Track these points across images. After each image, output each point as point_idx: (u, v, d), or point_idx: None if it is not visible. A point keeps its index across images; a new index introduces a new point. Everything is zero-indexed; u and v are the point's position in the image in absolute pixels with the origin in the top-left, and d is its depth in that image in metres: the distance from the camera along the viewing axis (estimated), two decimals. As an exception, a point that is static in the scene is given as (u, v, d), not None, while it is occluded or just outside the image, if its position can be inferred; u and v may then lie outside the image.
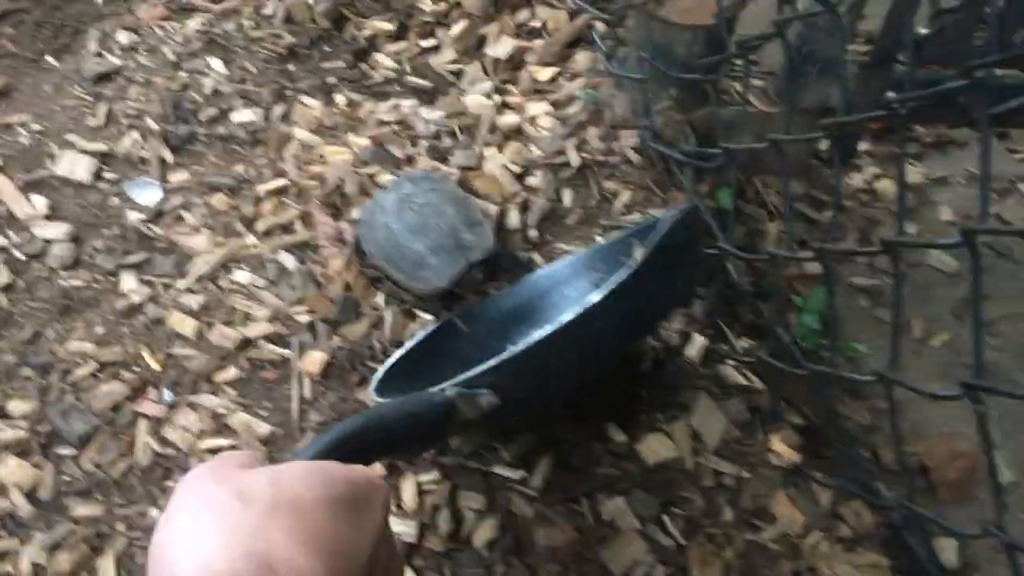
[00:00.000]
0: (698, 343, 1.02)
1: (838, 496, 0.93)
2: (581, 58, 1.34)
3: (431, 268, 1.00)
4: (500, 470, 0.92)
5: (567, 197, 1.14)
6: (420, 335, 0.99)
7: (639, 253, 0.76)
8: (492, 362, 0.72)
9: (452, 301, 1.03)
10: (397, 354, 0.97)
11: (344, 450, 0.59)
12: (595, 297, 0.72)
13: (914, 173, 1.45)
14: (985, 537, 0.65)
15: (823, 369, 0.84)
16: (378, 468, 0.91)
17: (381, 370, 0.94)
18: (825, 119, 0.83)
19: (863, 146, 1.48)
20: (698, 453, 0.95)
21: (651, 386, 1.00)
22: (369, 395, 0.92)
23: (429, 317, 1.01)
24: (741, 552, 0.87)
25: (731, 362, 1.01)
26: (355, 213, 1.11)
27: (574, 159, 1.17)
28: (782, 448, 0.94)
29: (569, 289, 1.05)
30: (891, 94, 0.70)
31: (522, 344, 0.72)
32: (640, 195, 1.18)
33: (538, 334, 0.72)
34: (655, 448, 0.94)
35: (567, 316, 0.72)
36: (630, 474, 0.93)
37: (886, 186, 1.41)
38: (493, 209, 1.10)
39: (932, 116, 1.44)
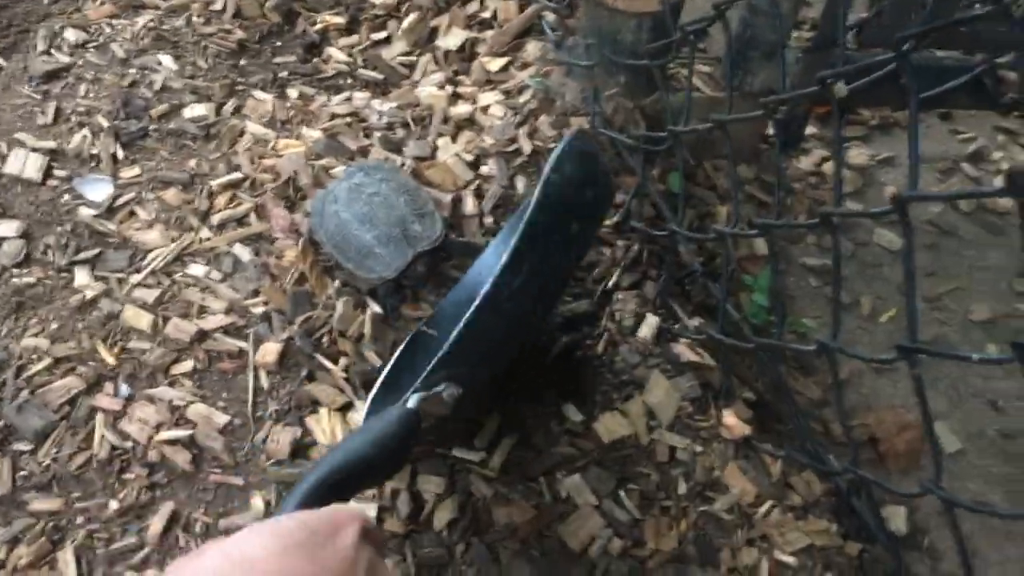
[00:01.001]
0: (651, 323, 1.04)
1: (788, 467, 0.95)
2: (531, 48, 1.36)
3: (378, 258, 1.00)
4: (459, 452, 0.93)
5: (520, 183, 1.15)
6: (395, 354, 1.00)
7: (529, 205, 0.79)
8: (437, 357, 0.75)
9: (399, 291, 1.04)
10: (380, 379, 0.97)
11: (321, 495, 0.62)
12: (501, 262, 0.76)
13: (860, 155, 1.48)
14: (925, 494, 0.67)
15: (769, 342, 0.86)
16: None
17: (369, 398, 0.94)
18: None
19: (810, 130, 1.51)
20: (652, 430, 0.96)
21: (606, 367, 1.02)
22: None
23: (378, 309, 1.02)
24: (695, 523, 0.89)
25: (683, 340, 1.03)
26: (308, 204, 1.12)
27: (526, 146, 1.18)
28: (734, 422, 0.96)
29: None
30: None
31: (455, 331, 0.75)
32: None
33: (465, 317, 0.75)
34: (611, 426, 0.96)
35: (484, 289, 0.75)
36: (587, 452, 0.94)
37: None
38: (447, 199, 1.11)
39: (876, 99, 1.47)
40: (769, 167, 1.41)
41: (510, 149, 1.19)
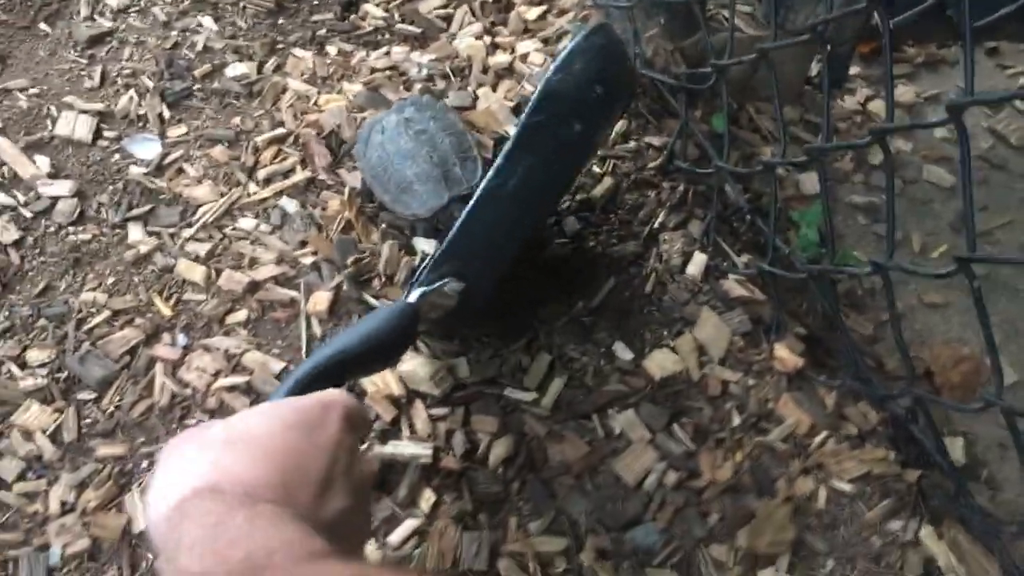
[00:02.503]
0: (699, 261, 1.04)
1: (843, 398, 0.95)
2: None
3: (414, 195, 1.01)
4: (511, 393, 0.94)
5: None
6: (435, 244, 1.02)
7: (533, 97, 0.80)
8: (437, 252, 0.78)
9: (436, 233, 1.05)
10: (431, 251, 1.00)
11: (313, 382, 0.66)
12: (498, 160, 0.79)
13: (906, 92, 1.46)
14: (988, 407, 0.67)
15: (822, 267, 0.85)
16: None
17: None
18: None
19: (855, 69, 1.48)
20: (703, 365, 0.96)
21: (654, 304, 1.02)
22: None
23: (425, 246, 1.03)
24: (750, 453, 0.89)
25: (732, 277, 1.03)
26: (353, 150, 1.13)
27: (568, 91, 1.17)
28: (786, 355, 0.96)
29: None
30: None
31: (454, 227, 0.78)
32: (635, 123, 1.19)
33: (463, 213, 0.78)
34: (661, 363, 0.96)
35: (481, 185, 0.79)
36: (638, 389, 0.95)
37: (879, 107, 1.42)
38: (490, 143, 1.11)
39: (921, 34, 1.44)
40: (813, 108, 1.39)
41: (552, 94, 1.18)
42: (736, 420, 0.92)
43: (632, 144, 1.16)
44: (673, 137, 1.14)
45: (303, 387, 0.65)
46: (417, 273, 0.92)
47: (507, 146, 0.79)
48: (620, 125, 1.17)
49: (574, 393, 0.95)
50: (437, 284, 0.78)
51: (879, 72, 1.49)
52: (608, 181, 1.11)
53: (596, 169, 1.12)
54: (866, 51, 1.50)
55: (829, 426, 0.92)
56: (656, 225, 1.08)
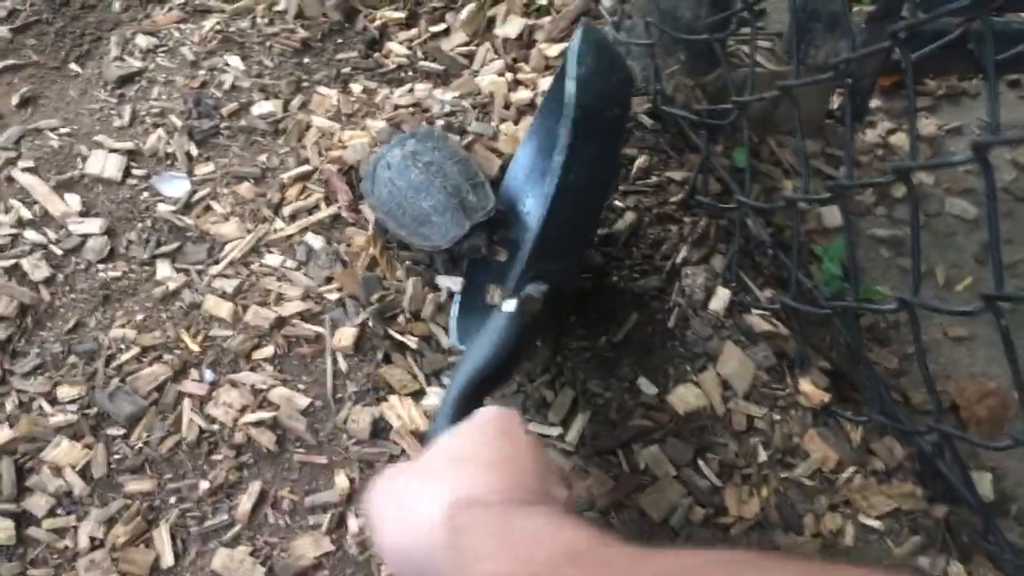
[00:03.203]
0: (722, 296, 1.04)
1: (868, 433, 0.94)
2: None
3: (433, 227, 1.02)
4: (536, 427, 0.94)
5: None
6: (459, 281, 1.05)
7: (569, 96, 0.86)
8: (523, 261, 0.84)
9: (453, 262, 1.07)
10: (454, 308, 1.03)
11: (465, 408, 0.68)
12: (556, 161, 0.84)
13: (928, 125, 1.46)
14: (1016, 446, 0.66)
15: (847, 304, 0.86)
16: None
17: (452, 324, 1.01)
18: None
19: (875, 103, 1.49)
20: (728, 400, 0.96)
21: (678, 339, 1.02)
22: (454, 346, 1.00)
23: (449, 283, 1.04)
24: (777, 489, 0.89)
25: (756, 311, 1.03)
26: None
27: (589, 127, 1.19)
28: (811, 390, 0.96)
29: (534, 159, 1.13)
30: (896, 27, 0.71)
31: (531, 234, 0.84)
32: (656, 158, 1.20)
33: (539, 219, 0.84)
34: (686, 398, 0.96)
35: (549, 191, 0.84)
36: (663, 424, 0.95)
37: (900, 140, 1.43)
38: (495, 168, 1.14)
39: (942, 67, 1.45)
40: (834, 141, 1.40)
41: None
42: (762, 455, 0.92)
43: (654, 179, 1.17)
44: (694, 172, 1.14)
45: (459, 414, 0.66)
46: (509, 283, 0.95)
47: (562, 149, 0.84)
48: (642, 160, 1.18)
49: (598, 428, 0.95)
50: (527, 290, 0.81)
51: (900, 105, 1.50)
52: (630, 216, 1.12)
53: (618, 203, 1.13)
54: (886, 84, 1.50)
55: (856, 461, 0.91)
56: (678, 260, 1.09)
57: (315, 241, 1.11)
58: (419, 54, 1.41)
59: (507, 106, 1.27)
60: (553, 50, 1.36)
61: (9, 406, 0.97)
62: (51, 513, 0.90)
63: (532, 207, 1.08)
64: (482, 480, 0.51)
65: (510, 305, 0.79)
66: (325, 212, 1.14)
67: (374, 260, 1.07)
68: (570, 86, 0.86)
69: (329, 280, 1.07)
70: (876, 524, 0.87)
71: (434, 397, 0.96)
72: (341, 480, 0.92)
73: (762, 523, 0.87)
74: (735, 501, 0.88)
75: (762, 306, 1.03)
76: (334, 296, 1.05)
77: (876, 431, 0.95)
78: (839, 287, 1.06)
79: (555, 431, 0.93)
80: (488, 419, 0.58)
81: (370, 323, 1.02)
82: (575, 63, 0.87)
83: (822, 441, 0.92)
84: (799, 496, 0.89)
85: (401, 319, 1.02)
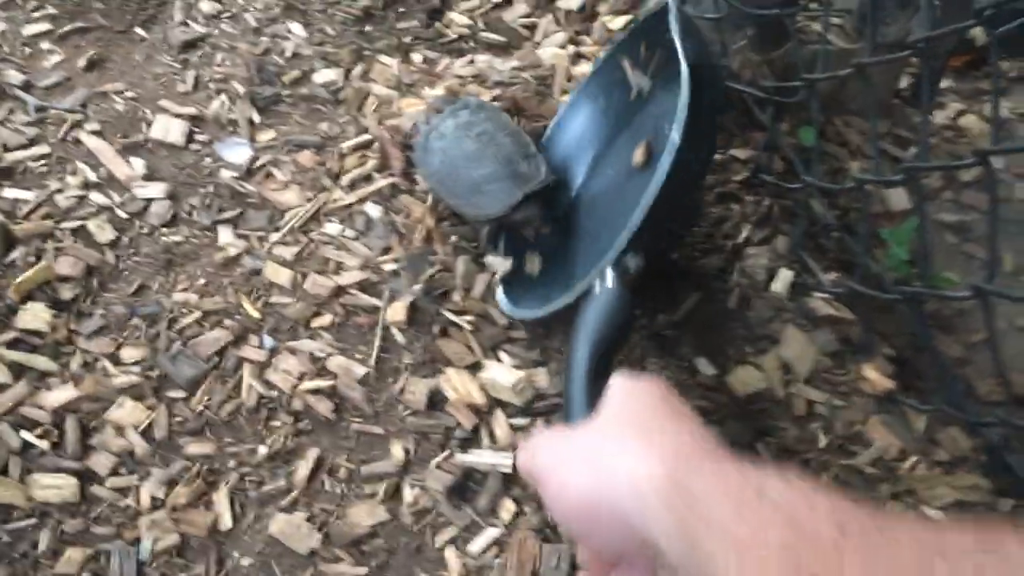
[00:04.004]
0: (785, 278, 1.02)
1: (933, 422, 0.92)
2: (654, 4, 1.34)
3: (487, 195, 1.01)
4: (592, 405, 0.93)
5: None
6: (507, 264, 1.04)
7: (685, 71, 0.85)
8: (627, 237, 0.83)
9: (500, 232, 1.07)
10: (501, 271, 1.04)
11: (594, 385, 0.67)
12: (675, 140, 0.82)
13: (1000, 108, 1.41)
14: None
15: (917, 290, 0.84)
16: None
17: (499, 292, 1.02)
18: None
19: (945, 83, 1.45)
20: (788, 383, 0.95)
21: (738, 320, 1.01)
22: (505, 310, 1.01)
23: (497, 264, 1.03)
24: (837, 476, 0.88)
25: (819, 295, 1.01)
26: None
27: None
28: (875, 376, 0.94)
29: (586, 129, 1.13)
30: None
31: (639, 210, 0.82)
32: (720, 135, 1.17)
33: (648, 196, 0.82)
34: (745, 380, 0.95)
35: (662, 167, 0.82)
36: (722, 405, 0.94)
37: (970, 122, 1.38)
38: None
39: (1018, 48, 1.40)
40: (902, 121, 1.36)
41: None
42: (823, 441, 0.90)
43: (717, 157, 1.15)
44: (759, 150, 1.12)
45: (594, 392, 0.65)
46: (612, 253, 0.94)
47: (680, 128, 0.82)
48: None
49: (655, 408, 0.94)
50: (625, 264, 0.80)
51: (969, 86, 1.45)
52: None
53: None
54: (958, 64, 1.46)
55: (919, 451, 0.90)
56: (740, 239, 1.07)
57: (373, 211, 1.11)
58: (480, 24, 1.40)
59: (569, 79, 1.25)
60: (616, 23, 1.34)
61: (74, 365, 0.98)
62: (114, 472, 0.92)
63: (581, 175, 1.09)
64: (681, 438, 0.48)
65: (610, 278, 0.78)
66: (383, 181, 1.14)
67: (429, 233, 1.07)
68: (685, 60, 0.85)
69: (387, 251, 1.07)
70: (939, 515, 0.86)
71: (492, 370, 0.96)
72: (397, 451, 0.92)
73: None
74: (794, 486, 0.87)
75: (826, 289, 1.01)
76: (390, 267, 1.06)
77: (940, 421, 0.93)
78: (906, 272, 1.03)
79: (612, 409, 0.93)
80: (646, 385, 0.55)
81: (420, 300, 1.01)
82: (680, 35, 0.87)
83: (885, 429, 0.90)
84: (860, 484, 0.88)
85: (456, 296, 1.02)
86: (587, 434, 0.53)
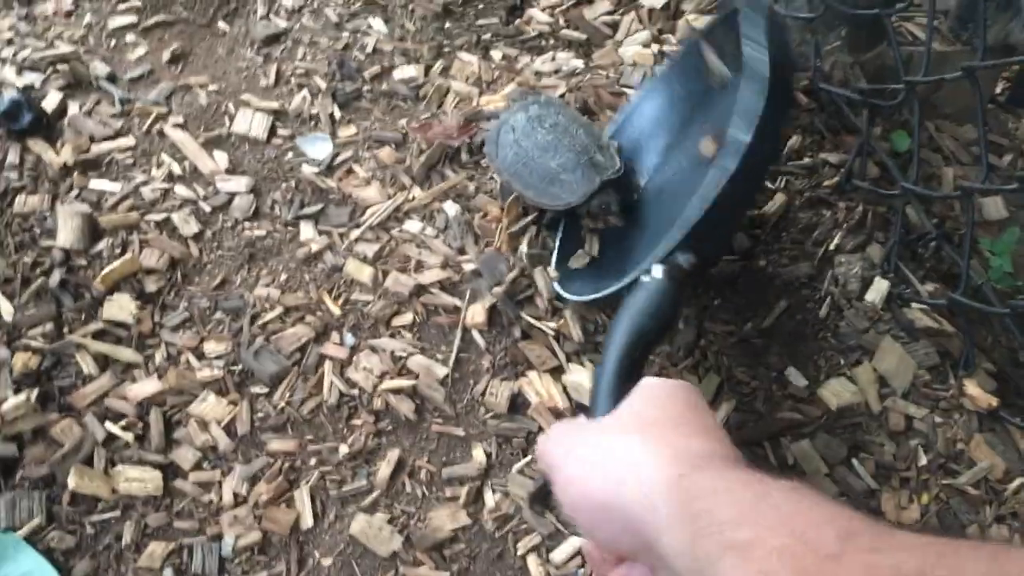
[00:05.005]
0: (880, 287, 0.99)
1: (1040, 443, 0.89)
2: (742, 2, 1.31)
3: (563, 184, 1.00)
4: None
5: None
6: (559, 233, 1.05)
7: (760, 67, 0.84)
8: (683, 232, 0.82)
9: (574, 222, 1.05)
10: (553, 258, 1.03)
11: (625, 378, 0.67)
12: (744, 135, 0.81)
13: (1101, 115, 1.36)
14: None
15: (1032, 306, 0.80)
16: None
17: (553, 277, 1.01)
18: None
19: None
20: (884, 398, 0.92)
21: (830, 330, 0.97)
22: (558, 291, 0.99)
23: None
24: (938, 496, 0.84)
25: (917, 306, 0.97)
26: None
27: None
28: (978, 393, 0.90)
29: (659, 118, 1.10)
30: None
31: (694, 210, 0.81)
32: (809, 139, 1.14)
33: (710, 192, 0.81)
34: (838, 392, 0.92)
35: (726, 164, 0.81)
36: (813, 418, 0.91)
37: (1071, 128, 1.33)
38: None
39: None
40: (996, 128, 1.31)
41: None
42: (923, 459, 0.87)
43: (807, 160, 1.12)
44: (852, 154, 1.09)
45: (622, 386, 0.64)
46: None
47: (752, 123, 0.81)
48: (794, 140, 1.13)
49: (744, 418, 0.91)
50: (675, 258, 0.79)
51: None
52: (780, 198, 1.07)
53: (768, 185, 1.08)
54: (1057, 68, 1.40)
55: (1024, 472, 0.86)
56: (832, 247, 1.04)
57: (451, 209, 1.10)
58: (561, 22, 1.38)
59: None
60: (701, 21, 1.31)
61: (158, 358, 0.99)
62: (197, 466, 0.92)
63: (653, 164, 1.08)
64: (695, 443, 0.48)
65: (658, 271, 0.76)
66: (454, 178, 1.12)
67: (503, 231, 1.05)
68: (763, 55, 0.84)
69: (463, 250, 1.06)
70: (1046, 541, 0.82)
71: (575, 374, 0.94)
72: (478, 454, 0.91)
73: (922, 532, 0.82)
74: (893, 506, 0.84)
75: (925, 301, 0.97)
76: (470, 267, 1.04)
77: (1047, 441, 0.89)
78: (1010, 284, 0.99)
79: (699, 418, 0.90)
80: (673, 388, 0.56)
81: (499, 304, 1.00)
82: (761, 35, 0.86)
83: (989, 448, 0.87)
84: (963, 506, 0.84)
85: (539, 302, 1.00)
86: (601, 431, 0.53)
